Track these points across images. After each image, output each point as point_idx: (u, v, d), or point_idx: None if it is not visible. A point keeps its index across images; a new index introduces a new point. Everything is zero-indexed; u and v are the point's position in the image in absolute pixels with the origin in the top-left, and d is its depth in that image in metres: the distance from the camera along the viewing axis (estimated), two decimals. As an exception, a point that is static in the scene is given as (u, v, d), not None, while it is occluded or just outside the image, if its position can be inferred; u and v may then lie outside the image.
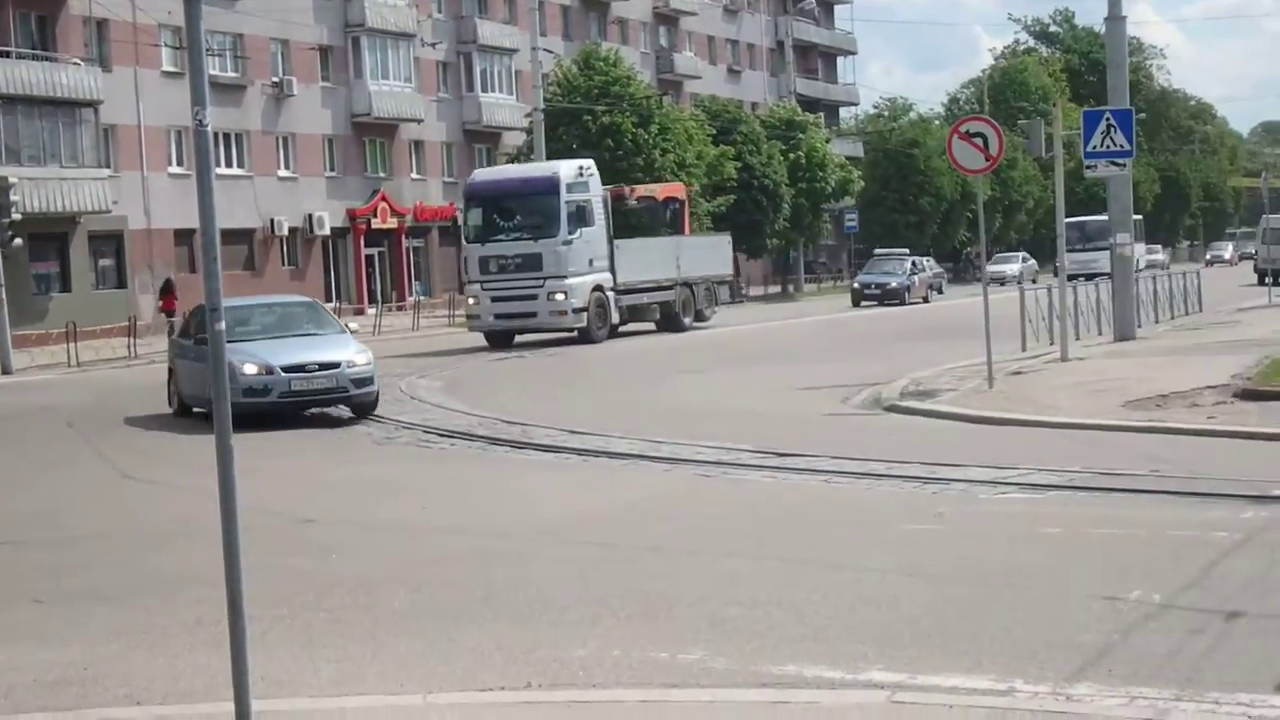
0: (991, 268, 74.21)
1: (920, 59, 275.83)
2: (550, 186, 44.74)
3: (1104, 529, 13.24)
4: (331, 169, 70.11)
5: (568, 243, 44.34)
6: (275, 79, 66.72)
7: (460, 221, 48.67)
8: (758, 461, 18.22)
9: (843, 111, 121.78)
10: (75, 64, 56.56)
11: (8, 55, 54.50)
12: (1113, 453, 17.57)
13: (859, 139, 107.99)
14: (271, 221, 65.62)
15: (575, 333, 45.04)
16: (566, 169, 45.95)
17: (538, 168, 49.86)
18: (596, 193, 46.33)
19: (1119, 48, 36.30)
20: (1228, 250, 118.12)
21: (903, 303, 67.72)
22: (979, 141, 25.88)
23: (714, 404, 25.84)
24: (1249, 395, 21.96)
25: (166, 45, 60.70)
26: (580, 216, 44.91)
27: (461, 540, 14.06)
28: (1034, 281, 59.73)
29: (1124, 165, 32.35)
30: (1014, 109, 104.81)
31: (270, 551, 13.25)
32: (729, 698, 8.63)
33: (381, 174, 72.66)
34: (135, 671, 9.79)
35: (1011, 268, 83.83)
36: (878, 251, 78.68)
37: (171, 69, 60.78)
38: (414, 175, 75.36)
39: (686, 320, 50.50)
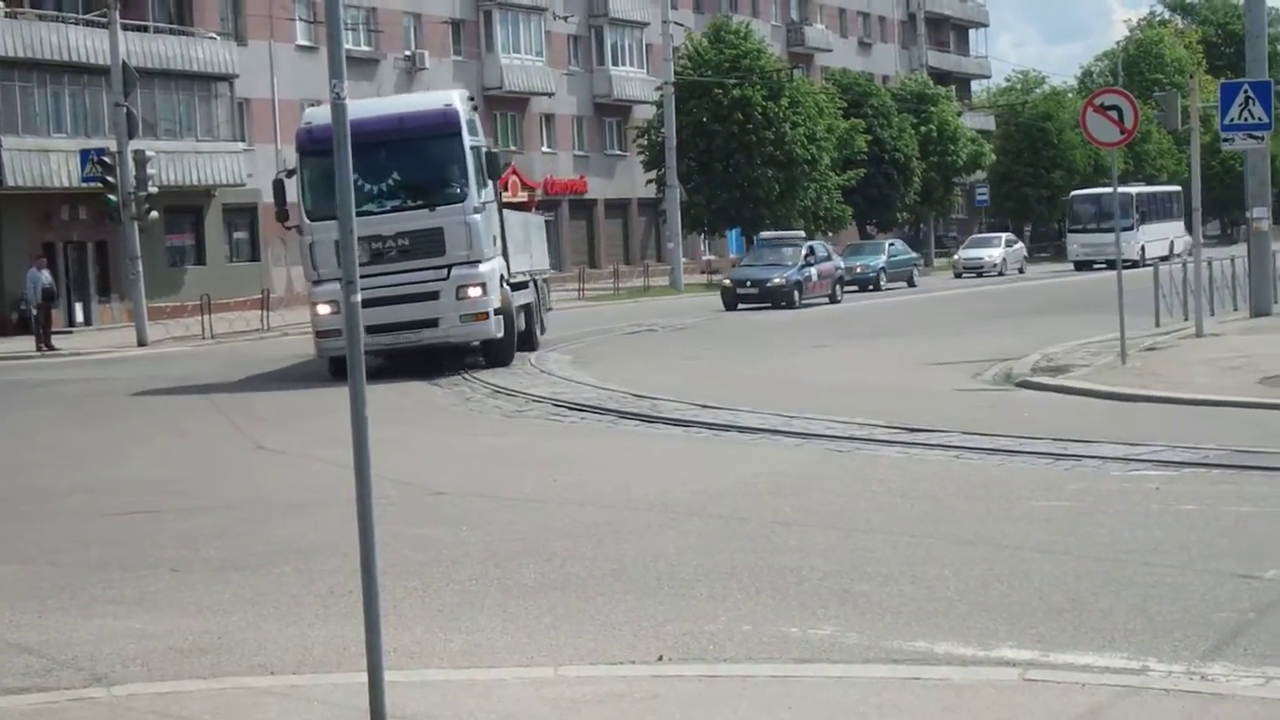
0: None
1: (1053, 31, 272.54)
2: (446, 125, 29.52)
3: (1239, 506, 13.05)
4: (463, 143, 70.32)
5: (479, 210, 29.42)
6: (408, 52, 67.17)
7: (298, 187, 29.40)
8: (889, 437, 18.14)
9: (974, 84, 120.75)
10: (211, 38, 57.23)
11: (145, 29, 55.22)
12: (1249, 430, 17.34)
13: (991, 112, 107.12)
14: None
15: (481, 349, 30.83)
16: (460, 100, 30.66)
17: (413, 100, 35.77)
18: (482, 138, 31.74)
19: (1258, 18, 35.68)
20: None
21: (790, 305, 50.43)
22: (1114, 114, 25.57)
23: (843, 379, 25.74)
24: (1390, 372, 21.60)
25: (301, 19, 61.33)
26: (483, 172, 30.01)
27: (592, 513, 14.09)
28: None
29: (1262, 138, 31.83)
30: (1149, 82, 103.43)
31: (401, 523, 13.38)
32: (860, 673, 8.59)
33: (512, 147, 72.93)
34: (268, 641, 9.91)
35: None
36: (763, 235, 59.39)
37: (305, 43, 61.38)
38: (545, 149, 75.61)
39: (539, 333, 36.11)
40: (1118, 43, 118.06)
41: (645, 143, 70.60)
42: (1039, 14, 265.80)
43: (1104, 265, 67.83)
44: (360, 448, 7.71)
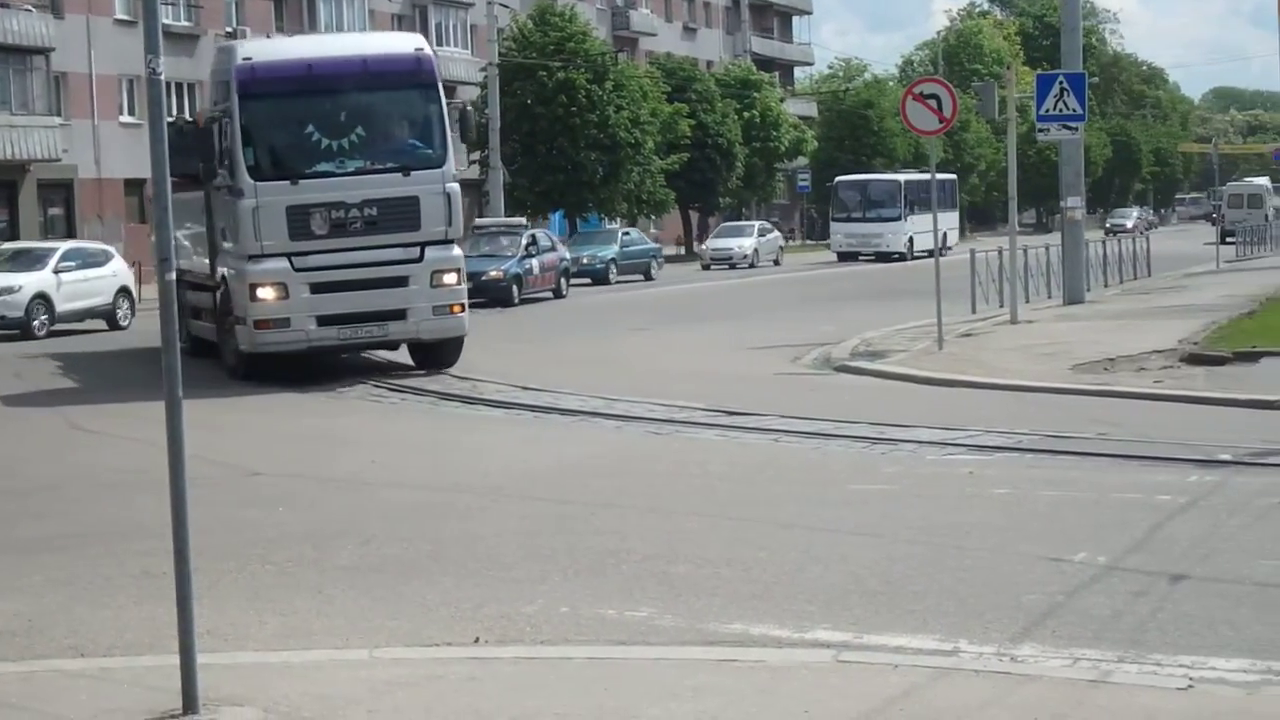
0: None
1: (875, 20, 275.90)
2: (420, 73, 24.45)
3: (1051, 491, 13.29)
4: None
5: (455, 179, 24.69)
6: (229, 29, 66.13)
7: (230, 138, 23.53)
8: (709, 420, 18.25)
9: (798, 71, 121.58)
10: (27, 10, 56.01)
11: (-43, 1, 53.98)
12: (1060, 415, 17.67)
13: (813, 99, 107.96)
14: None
15: (412, 348, 25.58)
16: (425, 45, 25.48)
17: (374, 41, 30.50)
18: None
19: (1073, 12, 36.32)
20: (1131, 218, 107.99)
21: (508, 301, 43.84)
22: (933, 103, 25.88)
23: (665, 364, 25.83)
24: (1195, 360, 22.12)
25: (119, -7, 60.23)
26: (455, 134, 25.77)
27: (411, 495, 14.05)
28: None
29: (1076, 129, 32.44)
30: (968, 72, 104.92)
31: (219, 504, 13.21)
32: (676, 655, 8.65)
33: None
34: (80, 623, 9.76)
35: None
36: (479, 222, 53.80)
37: (124, 17, 60.28)
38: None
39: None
40: (938, 32, 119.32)
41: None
42: (862, 2, 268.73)
43: (872, 257, 67.16)
44: (174, 427, 7.62)
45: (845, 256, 69.02)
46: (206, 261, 26.09)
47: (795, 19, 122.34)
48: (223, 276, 24.67)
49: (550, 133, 66.86)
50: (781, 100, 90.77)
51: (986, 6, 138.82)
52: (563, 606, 9.77)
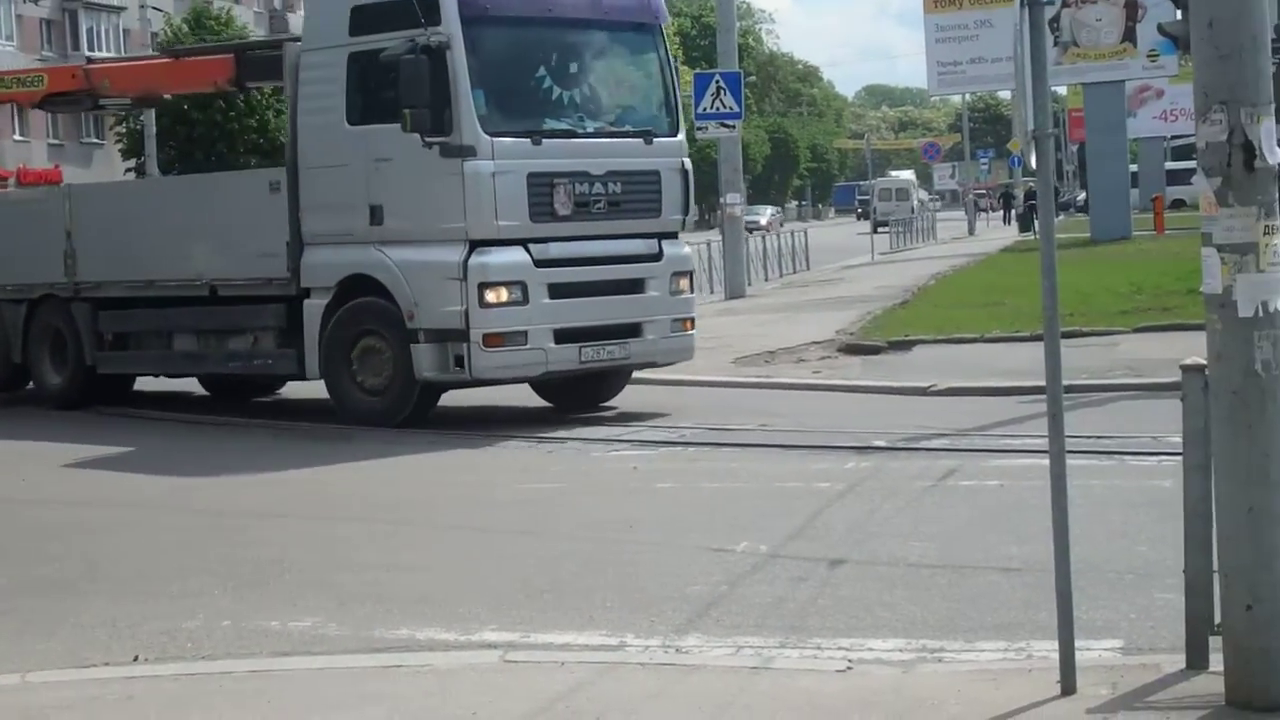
0: None
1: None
2: (655, 11, 18.80)
3: (714, 483, 13.49)
4: (-74, 130, 67.17)
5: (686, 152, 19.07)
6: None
7: (449, 83, 16.57)
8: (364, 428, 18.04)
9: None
10: None
11: None
12: (723, 408, 17.91)
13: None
14: None
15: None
16: None
17: None
18: None
19: (728, 12, 36.86)
20: (766, 215, 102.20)
21: None
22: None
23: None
24: (852, 350, 22.68)
25: None
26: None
27: (60, 512, 13.61)
28: None
29: (734, 127, 32.97)
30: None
31: None
32: (341, 664, 8.53)
33: (-20, 136, 69.96)
34: None
35: None
36: None
37: None
38: (17, 137, 72.71)
39: None
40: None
41: (124, 130, 68.69)
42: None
43: None
44: None
45: None
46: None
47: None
48: (340, 279, 17.75)
49: (208, 138, 65.70)
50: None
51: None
52: (225, 620, 9.56)
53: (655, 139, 18.12)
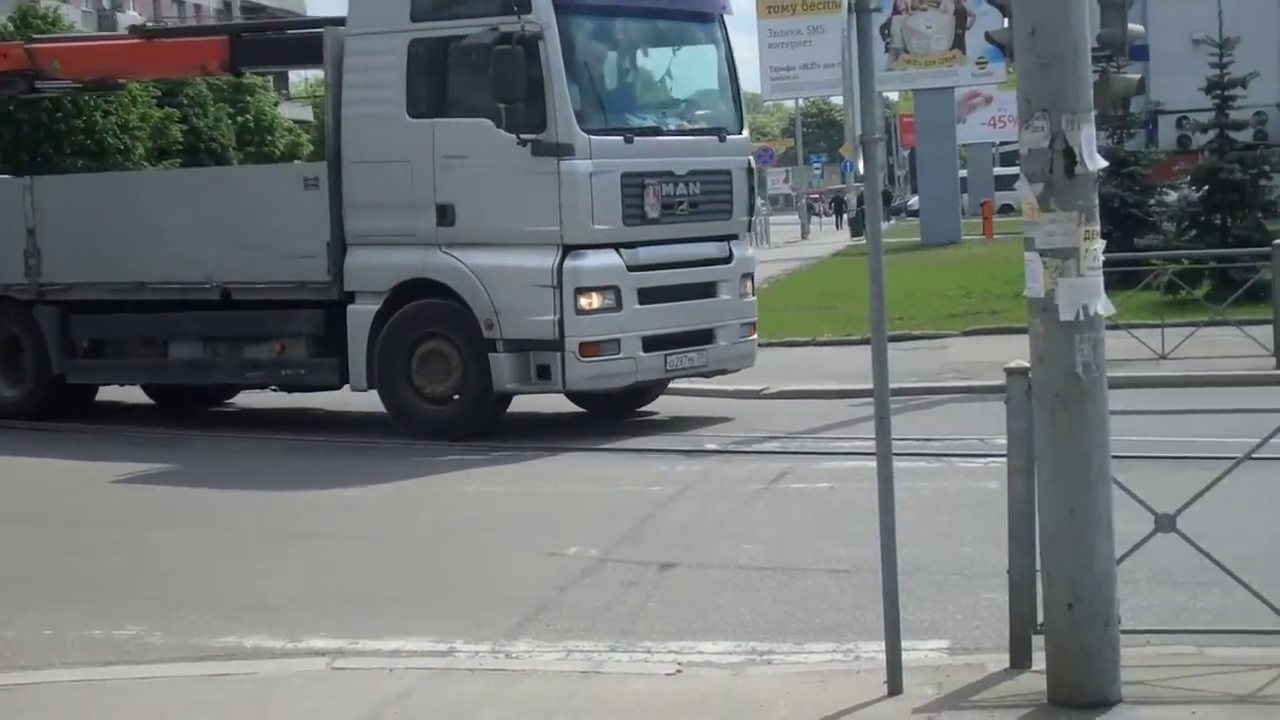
0: None
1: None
2: (718, 10, 17.88)
3: (549, 488, 13.48)
4: None
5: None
6: None
7: (544, 76, 15.44)
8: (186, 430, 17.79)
9: (293, 75, 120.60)
10: None
11: None
12: (559, 412, 17.86)
13: (309, 103, 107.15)
14: None
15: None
16: None
17: None
18: None
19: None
20: None
21: None
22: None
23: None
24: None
25: None
26: None
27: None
28: None
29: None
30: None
31: None
32: (164, 673, 8.39)
33: None
34: None
35: None
36: None
37: None
38: None
39: None
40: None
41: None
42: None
43: None
44: None
45: None
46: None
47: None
48: (398, 283, 16.33)
49: (34, 139, 64.62)
50: (276, 104, 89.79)
51: None
52: (46, 629, 9.39)
53: (728, 137, 17.30)
